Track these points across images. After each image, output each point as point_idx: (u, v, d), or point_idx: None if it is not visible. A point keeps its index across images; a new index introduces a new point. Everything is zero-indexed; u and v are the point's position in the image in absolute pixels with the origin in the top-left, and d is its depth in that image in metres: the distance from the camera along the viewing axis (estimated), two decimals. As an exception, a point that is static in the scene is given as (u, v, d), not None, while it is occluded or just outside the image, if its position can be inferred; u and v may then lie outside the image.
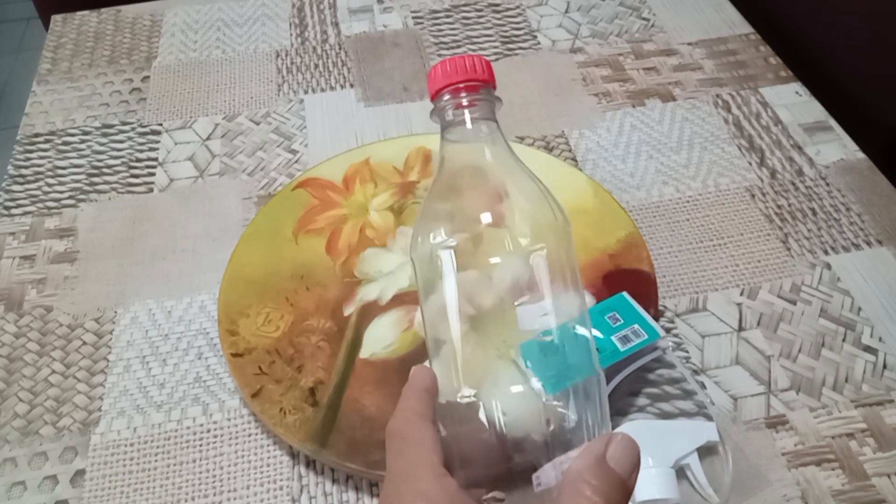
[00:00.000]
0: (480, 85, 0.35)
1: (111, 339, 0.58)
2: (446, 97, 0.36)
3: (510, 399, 0.30)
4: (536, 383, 0.30)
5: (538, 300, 0.31)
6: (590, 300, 0.55)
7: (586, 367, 0.31)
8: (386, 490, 0.30)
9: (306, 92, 0.78)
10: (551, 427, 0.30)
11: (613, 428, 0.48)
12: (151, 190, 0.69)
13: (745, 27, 0.83)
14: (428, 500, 0.28)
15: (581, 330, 0.32)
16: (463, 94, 0.35)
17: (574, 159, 0.69)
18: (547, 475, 0.29)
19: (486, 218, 0.33)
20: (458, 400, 0.31)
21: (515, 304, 0.31)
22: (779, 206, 0.65)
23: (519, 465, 0.29)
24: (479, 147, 0.36)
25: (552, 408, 0.30)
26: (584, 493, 0.27)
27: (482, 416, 0.30)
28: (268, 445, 0.51)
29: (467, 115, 0.36)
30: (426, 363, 0.34)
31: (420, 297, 0.35)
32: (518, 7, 0.87)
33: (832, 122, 0.72)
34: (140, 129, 0.74)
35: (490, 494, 0.30)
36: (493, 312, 0.32)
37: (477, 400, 0.30)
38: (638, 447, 0.29)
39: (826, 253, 0.61)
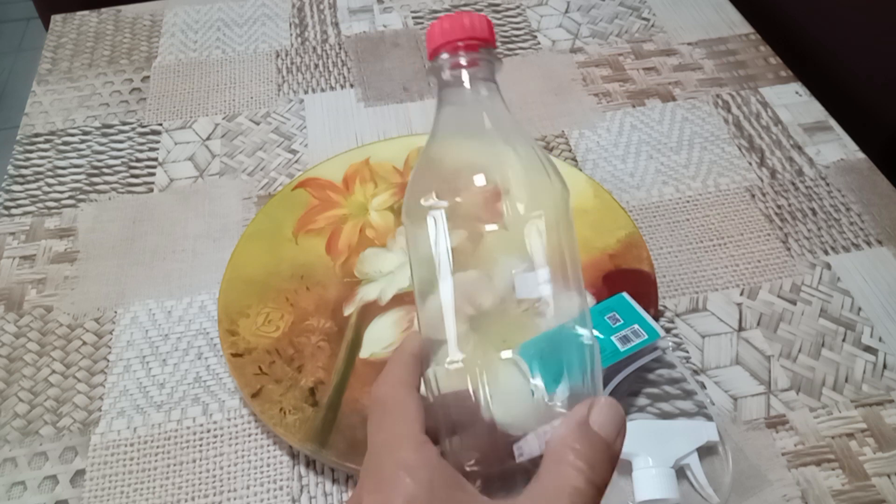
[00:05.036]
0: (480, 44, 0.34)
1: (111, 339, 0.58)
2: (444, 56, 0.34)
3: (498, 366, 0.30)
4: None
5: (536, 268, 0.31)
6: (590, 300, 0.55)
7: (580, 347, 0.31)
8: (368, 461, 0.30)
9: (306, 92, 0.78)
10: (537, 397, 0.29)
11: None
12: (151, 190, 0.69)
13: (745, 27, 0.83)
14: (408, 469, 0.27)
15: (576, 299, 0.31)
16: (461, 54, 0.34)
17: (574, 159, 0.69)
18: (529, 445, 0.28)
19: (480, 181, 0.32)
20: (446, 366, 0.30)
21: (513, 272, 0.31)
22: (779, 206, 0.65)
23: (503, 434, 0.29)
24: (476, 109, 0.35)
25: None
26: (567, 459, 0.27)
27: (468, 382, 0.30)
28: (268, 445, 0.51)
29: (465, 76, 0.34)
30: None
31: (410, 263, 0.33)
32: (518, 7, 0.87)
33: (832, 122, 0.72)
34: (140, 129, 0.74)
35: (473, 461, 0.29)
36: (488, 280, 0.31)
37: (464, 366, 0.30)
38: (622, 410, 0.29)
39: (826, 253, 0.61)
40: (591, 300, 0.55)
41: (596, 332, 0.50)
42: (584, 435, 0.27)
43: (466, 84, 0.34)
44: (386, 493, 0.27)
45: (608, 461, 0.28)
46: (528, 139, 0.34)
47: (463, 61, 0.34)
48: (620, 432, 0.28)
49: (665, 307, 0.58)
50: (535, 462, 0.28)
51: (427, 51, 0.35)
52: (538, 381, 0.29)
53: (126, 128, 0.75)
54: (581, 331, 0.31)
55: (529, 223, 0.31)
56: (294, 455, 0.51)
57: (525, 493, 0.27)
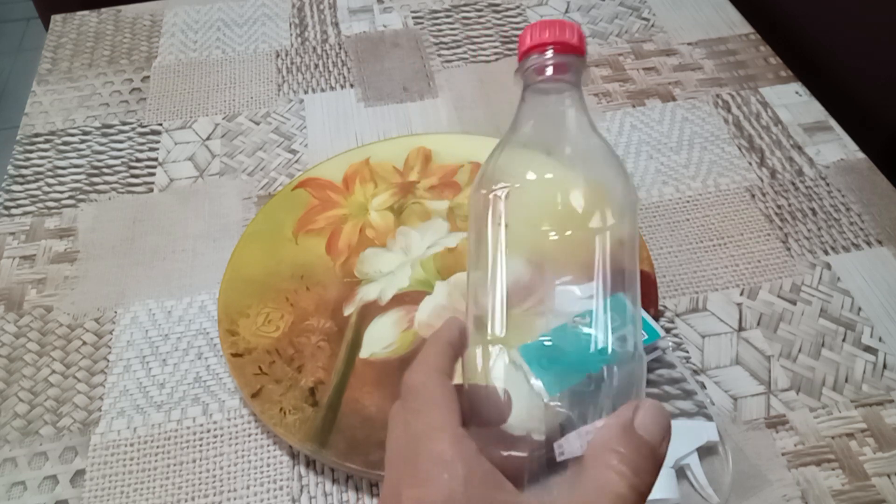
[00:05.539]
0: (569, 50, 0.35)
1: (111, 339, 0.58)
2: (533, 57, 0.35)
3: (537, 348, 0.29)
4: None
5: (583, 281, 0.30)
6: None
7: (624, 356, 0.30)
8: (403, 449, 0.28)
9: (306, 92, 0.78)
10: (588, 389, 0.29)
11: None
12: (151, 190, 0.69)
13: (745, 27, 0.83)
14: (446, 465, 0.26)
15: (630, 307, 0.31)
16: (549, 57, 0.35)
17: (574, 159, 0.69)
18: (571, 445, 0.27)
19: (550, 176, 0.32)
20: (487, 343, 0.30)
21: (556, 282, 0.30)
22: (779, 206, 0.65)
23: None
24: (558, 112, 0.35)
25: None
26: (611, 463, 0.26)
27: (507, 365, 0.29)
28: (268, 445, 0.51)
29: (551, 77, 0.35)
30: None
31: (468, 245, 0.34)
32: (518, 7, 0.87)
33: (832, 122, 0.72)
34: (140, 129, 0.74)
35: (509, 453, 0.28)
36: (540, 279, 0.31)
37: (505, 346, 0.29)
38: (668, 414, 0.28)
39: (826, 253, 0.61)
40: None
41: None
42: (629, 438, 0.27)
43: (551, 86, 0.35)
44: (425, 488, 0.26)
45: (653, 466, 0.27)
46: (605, 145, 0.34)
47: (550, 64, 0.35)
48: (666, 436, 0.28)
49: (665, 307, 0.58)
50: (576, 465, 0.27)
51: (518, 52, 0.36)
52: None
53: (126, 128, 0.75)
54: (623, 339, 0.30)
55: (595, 227, 0.31)
56: (294, 455, 0.51)
57: (565, 495, 0.26)
